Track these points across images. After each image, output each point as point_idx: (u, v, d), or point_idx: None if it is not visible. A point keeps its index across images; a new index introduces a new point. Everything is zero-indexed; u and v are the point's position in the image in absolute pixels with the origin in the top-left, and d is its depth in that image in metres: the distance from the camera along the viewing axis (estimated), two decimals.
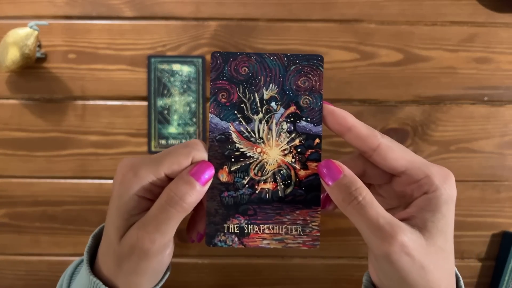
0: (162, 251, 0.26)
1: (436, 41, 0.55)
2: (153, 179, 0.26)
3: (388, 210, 0.26)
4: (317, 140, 0.28)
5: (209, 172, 0.26)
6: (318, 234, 0.28)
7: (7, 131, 0.56)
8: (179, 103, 0.55)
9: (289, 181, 0.28)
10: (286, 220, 0.28)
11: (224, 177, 0.28)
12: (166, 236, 0.25)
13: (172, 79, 0.55)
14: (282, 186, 0.28)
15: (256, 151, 0.28)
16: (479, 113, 0.56)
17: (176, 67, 0.55)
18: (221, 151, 0.28)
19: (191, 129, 0.56)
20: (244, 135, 0.28)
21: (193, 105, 0.55)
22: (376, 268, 0.27)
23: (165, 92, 0.55)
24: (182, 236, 0.59)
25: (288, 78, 0.28)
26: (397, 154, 0.27)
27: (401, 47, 0.55)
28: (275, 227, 0.28)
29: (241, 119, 0.28)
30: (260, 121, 0.28)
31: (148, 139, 0.56)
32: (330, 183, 0.26)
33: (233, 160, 0.28)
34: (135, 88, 0.55)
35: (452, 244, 0.26)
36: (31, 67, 0.55)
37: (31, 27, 0.51)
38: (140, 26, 0.55)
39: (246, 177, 0.28)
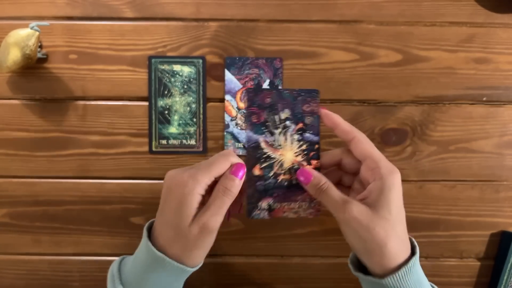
0: (217, 229, 0.37)
1: (435, 41, 0.55)
2: (207, 181, 0.36)
3: (361, 199, 0.37)
4: (316, 146, 0.41)
5: (243, 170, 0.38)
6: (319, 207, 0.42)
7: (9, 131, 0.56)
8: (179, 103, 0.56)
9: None
10: (298, 199, 0.41)
11: (257, 172, 0.40)
12: (221, 218, 0.36)
13: (172, 79, 0.55)
14: (295, 177, 0.41)
15: (277, 154, 0.41)
16: (478, 113, 0.56)
17: (176, 67, 0.55)
18: (254, 155, 0.40)
19: (192, 129, 0.56)
20: (269, 143, 0.41)
21: (194, 106, 0.56)
22: (344, 232, 0.38)
23: (166, 92, 0.55)
24: None
25: (297, 105, 0.41)
26: (364, 146, 0.38)
27: (400, 48, 0.55)
28: (291, 204, 0.41)
29: (266, 132, 0.40)
30: (280, 133, 0.41)
31: (149, 139, 0.56)
32: (305, 184, 0.40)
33: (262, 160, 0.40)
34: (135, 89, 0.56)
35: (398, 217, 0.36)
36: (32, 68, 0.55)
37: (32, 28, 0.51)
38: (141, 27, 0.55)
39: (271, 172, 0.41)
